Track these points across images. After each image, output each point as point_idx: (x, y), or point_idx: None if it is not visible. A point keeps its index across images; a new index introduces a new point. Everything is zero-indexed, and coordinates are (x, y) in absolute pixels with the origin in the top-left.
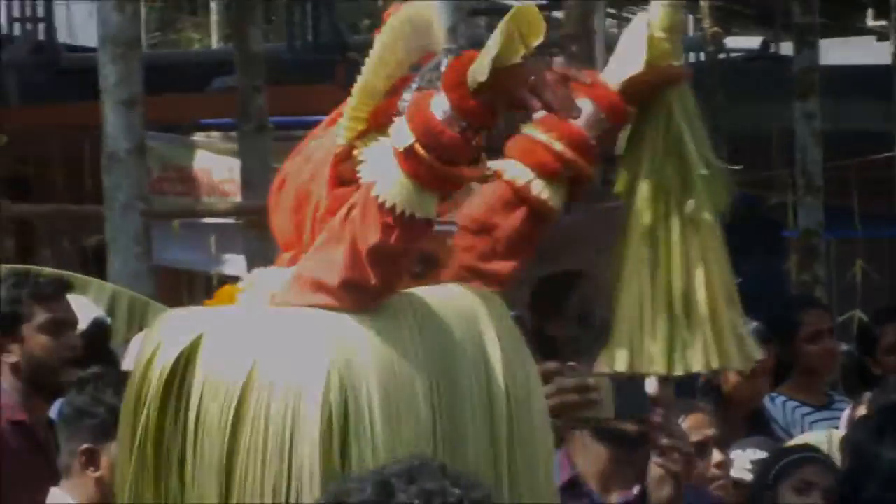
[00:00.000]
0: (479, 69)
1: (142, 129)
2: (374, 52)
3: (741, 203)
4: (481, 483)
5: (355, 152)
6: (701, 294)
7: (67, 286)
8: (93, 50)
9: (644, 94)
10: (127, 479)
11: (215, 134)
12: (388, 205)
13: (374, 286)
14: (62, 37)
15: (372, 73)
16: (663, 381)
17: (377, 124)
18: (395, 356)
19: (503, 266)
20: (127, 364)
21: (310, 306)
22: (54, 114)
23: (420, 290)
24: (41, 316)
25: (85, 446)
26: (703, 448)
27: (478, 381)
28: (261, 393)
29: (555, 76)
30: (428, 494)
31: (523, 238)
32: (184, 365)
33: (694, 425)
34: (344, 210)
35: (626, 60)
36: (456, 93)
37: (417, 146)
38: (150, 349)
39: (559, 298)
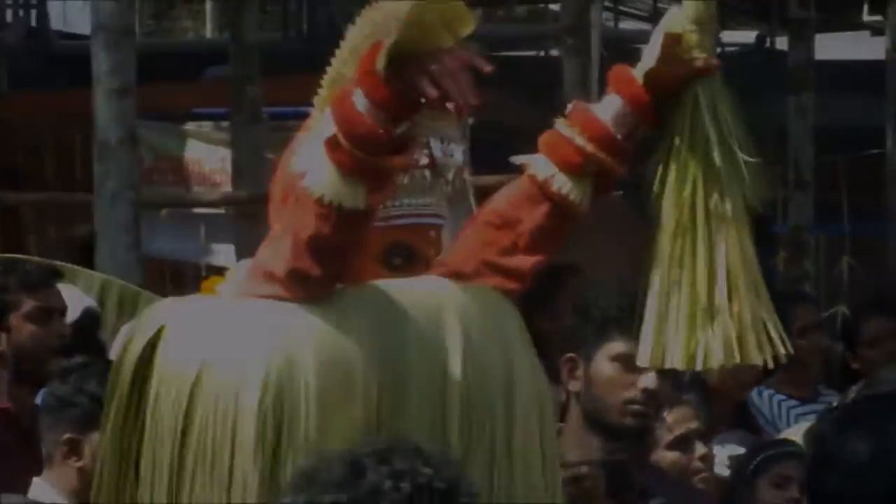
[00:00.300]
0: (379, 58)
1: (133, 118)
2: (347, 43)
3: None
4: (454, 463)
5: None
6: (723, 288)
7: (56, 274)
8: (86, 37)
9: (670, 88)
10: (104, 465)
11: (207, 123)
12: (316, 195)
13: (317, 277)
14: (56, 24)
15: (344, 64)
16: (662, 375)
17: None
18: (339, 350)
19: (524, 262)
20: (113, 353)
21: (263, 296)
22: (46, 101)
23: (381, 282)
24: (29, 304)
25: (67, 436)
26: (686, 441)
27: (430, 376)
28: (208, 393)
29: (457, 65)
30: (398, 474)
31: (546, 234)
32: (147, 358)
33: (678, 418)
34: (291, 201)
35: (652, 54)
36: (367, 82)
37: (340, 136)
38: (126, 341)
39: (550, 292)
